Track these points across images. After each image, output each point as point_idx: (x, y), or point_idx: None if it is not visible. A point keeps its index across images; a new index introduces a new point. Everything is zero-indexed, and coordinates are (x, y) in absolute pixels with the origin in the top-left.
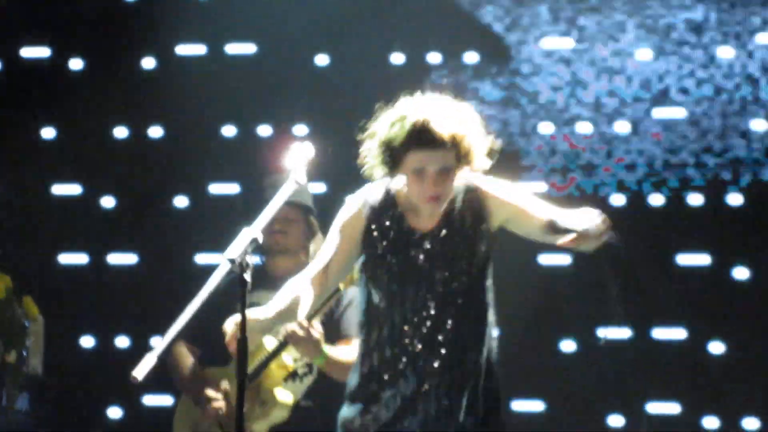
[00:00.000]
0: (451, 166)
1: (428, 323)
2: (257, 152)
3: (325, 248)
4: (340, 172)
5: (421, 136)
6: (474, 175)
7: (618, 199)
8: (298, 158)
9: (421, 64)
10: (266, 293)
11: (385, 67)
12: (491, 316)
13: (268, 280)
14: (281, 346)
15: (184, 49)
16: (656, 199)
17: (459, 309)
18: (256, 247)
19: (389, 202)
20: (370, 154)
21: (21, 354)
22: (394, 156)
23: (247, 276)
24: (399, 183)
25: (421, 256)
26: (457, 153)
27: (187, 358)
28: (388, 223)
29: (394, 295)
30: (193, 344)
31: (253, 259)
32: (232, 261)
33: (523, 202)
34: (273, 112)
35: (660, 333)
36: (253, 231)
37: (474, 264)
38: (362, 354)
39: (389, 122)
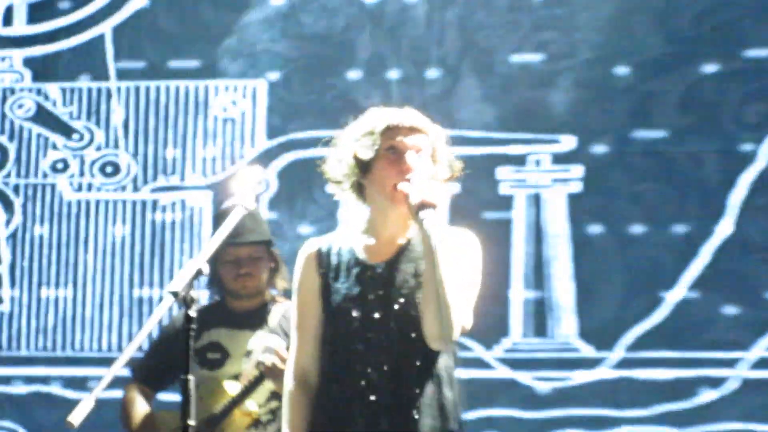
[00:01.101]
0: (423, 149)
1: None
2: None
3: (296, 333)
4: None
5: (398, 118)
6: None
7: None
8: (246, 183)
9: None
10: (227, 331)
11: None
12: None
13: (229, 317)
14: (248, 390)
15: None
16: None
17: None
18: (217, 287)
19: (344, 237)
20: (337, 162)
21: None
22: (369, 148)
23: (193, 311)
24: (356, 221)
25: (375, 290)
26: (430, 145)
27: (138, 404)
28: (340, 259)
29: (351, 335)
30: (147, 386)
31: (199, 293)
32: (174, 294)
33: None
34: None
35: None
36: (198, 262)
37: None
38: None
39: (360, 123)
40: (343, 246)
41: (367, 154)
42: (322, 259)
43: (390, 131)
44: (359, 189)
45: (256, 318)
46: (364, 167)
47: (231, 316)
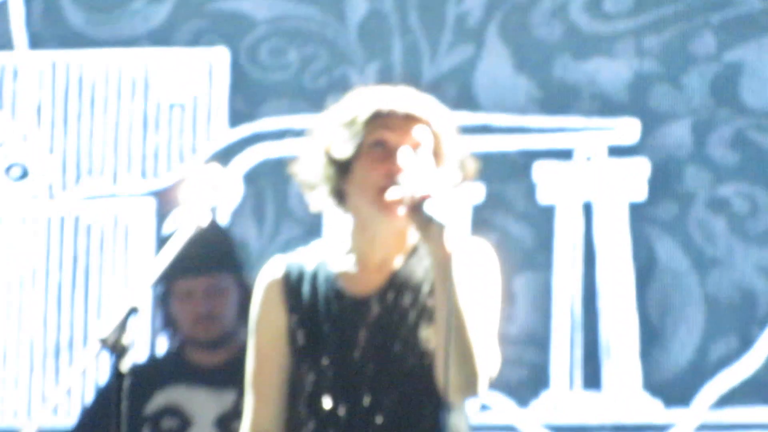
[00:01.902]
0: (420, 144)
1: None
2: None
3: (251, 390)
4: None
5: (386, 105)
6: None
7: None
8: (200, 188)
9: None
10: (187, 390)
11: None
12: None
13: (190, 371)
14: None
15: None
16: None
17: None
18: (172, 332)
19: (319, 262)
20: (310, 162)
21: None
22: (349, 143)
23: (124, 365)
24: (336, 240)
25: (362, 332)
26: (432, 137)
27: None
28: (314, 289)
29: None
30: None
31: (131, 338)
32: (102, 342)
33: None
34: None
35: None
36: (132, 297)
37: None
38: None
39: (340, 109)
40: (320, 270)
41: (344, 151)
42: (290, 287)
43: (377, 120)
44: (340, 196)
45: (225, 373)
46: (342, 168)
47: (192, 369)
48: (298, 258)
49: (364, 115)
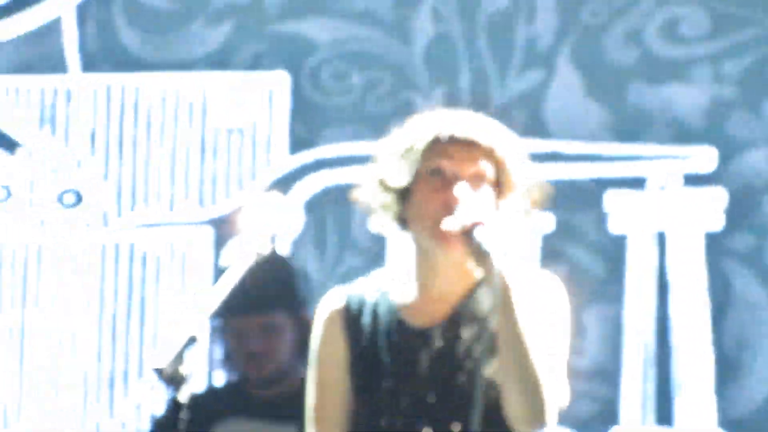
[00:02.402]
0: (486, 177)
1: None
2: None
3: (313, 425)
4: None
5: (447, 131)
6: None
7: None
8: (260, 216)
9: None
10: (247, 422)
11: None
12: None
13: (249, 404)
14: None
15: None
16: None
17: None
18: (229, 367)
19: (380, 293)
20: (371, 186)
21: None
22: (406, 171)
23: (182, 395)
24: (399, 270)
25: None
26: (495, 166)
27: None
28: (375, 321)
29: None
30: None
31: (189, 369)
32: (158, 372)
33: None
34: None
35: None
36: (190, 328)
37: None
38: None
39: (401, 134)
40: (381, 300)
41: (401, 180)
42: (350, 319)
43: (436, 147)
44: (403, 222)
45: (285, 406)
46: (401, 195)
47: (252, 402)
48: (359, 289)
49: (422, 142)
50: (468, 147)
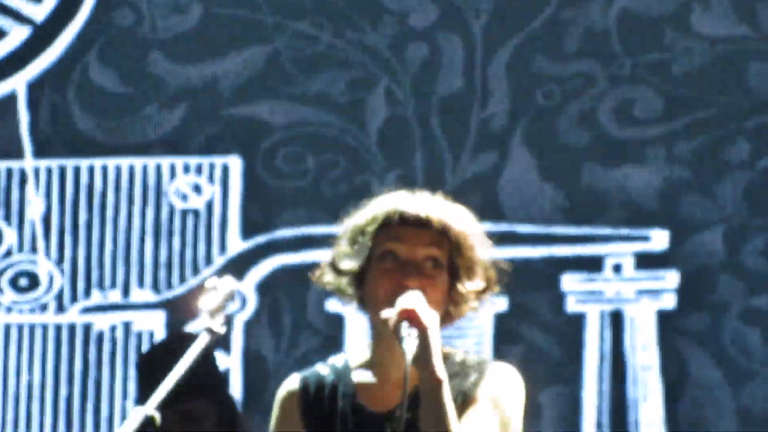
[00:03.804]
0: (439, 260)
1: None
2: None
3: None
4: None
5: (398, 212)
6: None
7: None
8: (213, 299)
9: None
10: None
11: None
12: None
13: None
14: None
15: None
16: None
17: None
18: None
19: (339, 375)
20: (326, 269)
21: None
22: (358, 255)
23: None
24: (357, 352)
25: None
26: (449, 248)
27: None
28: (333, 405)
29: None
30: None
31: None
32: None
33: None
34: None
35: None
36: (146, 409)
37: None
38: None
39: (356, 217)
40: (339, 384)
41: (353, 264)
42: (308, 401)
43: (388, 230)
44: (361, 303)
45: None
46: (356, 278)
47: None
48: (317, 372)
49: (373, 225)
50: (420, 229)
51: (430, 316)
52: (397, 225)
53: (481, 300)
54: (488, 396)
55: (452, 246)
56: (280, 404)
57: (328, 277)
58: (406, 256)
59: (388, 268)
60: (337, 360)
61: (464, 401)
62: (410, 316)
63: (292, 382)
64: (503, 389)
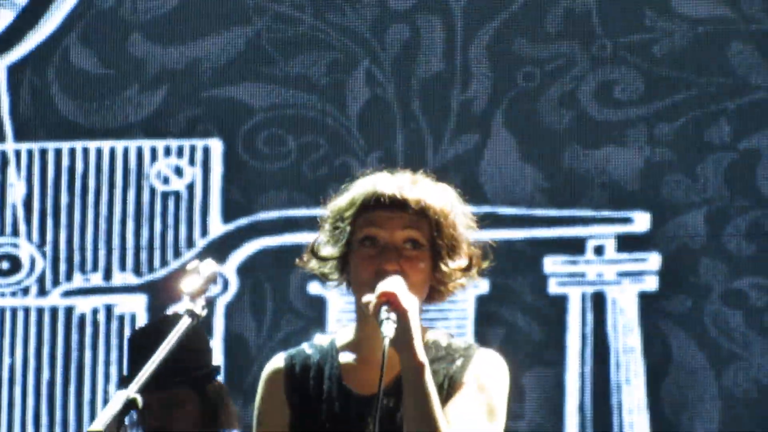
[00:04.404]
0: (419, 242)
1: None
2: None
3: None
4: None
5: (376, 194)
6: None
7: None
8: (195, 282)
9: None
10: None
11: None
12: None
13: None
14: None
15: None
16: None
17: None
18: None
19: (324, 356)
20: (310, 257)
21: None
22: (340, 237)
23: None
24: (343, 333)
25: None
26: (429, 228)
27: None
28: (318, 386)
29: None
30: None
31: None
32: None
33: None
34: None
35: None
36: (128, 392)
37: None
38: None
39: (338, 200)
40: (324, 365)
41: (333, 250)
42: (293, 381)
43: (366, 214)
44: (348, 285)
45: None
46: (340, 264)
47: None
48: (302, 354)
49: (351, 210)
50: (398, 211)
51: (409, 300)
52: (374, 209)
53: (467, 277)
54: (474, 381)
55: (432, 225)
56: (264, 382)
57: (313, 263)
58: (384, 240)
59: (368, 253)
60: (322, 340)
61: (450, 386)
62: (389, 300)
63: (277, 361)
64: (489, 375)
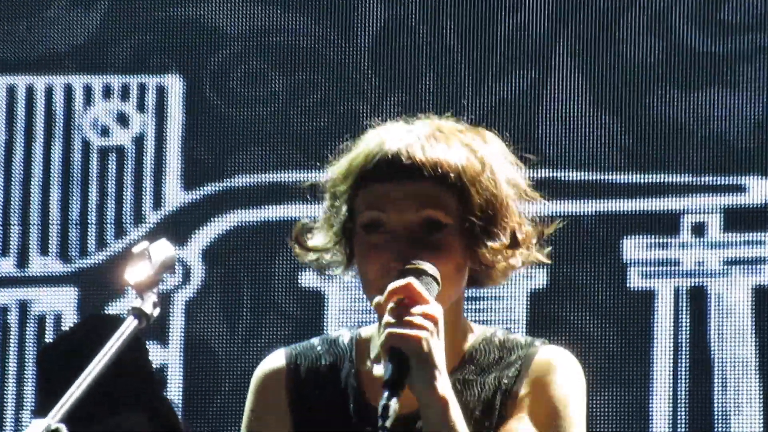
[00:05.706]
0: (441, 222)
1: None
2: None
3: None
4: None
5: (378, 159)
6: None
7: None
8: (144, 271)
9: None
10: None
11: None
12: None
13: None
14: None
15: None
16: None
17: None
18: None
19: (340, 357)
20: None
21: None
22: (335, 220)
23: None
24: (364, 329)
25: None
26: (456, 199)
27: None
28: (330, 397)
29: None
30: None
31: None
32: None
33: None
34: None
35: None
36: (48, 421)
37: None
38: None
39: (338, 165)
40: (340, 369)
41: (325, 240)
42: (297, 387)
43: (366, 189)
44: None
45: None
46: (345, 252)
47: None
48: (305, 352)
49: (346, 183)
50: (408, 182)
51: (423, 320)
52: (375, 180)
53: (522, 256)
54: (540, 394)
55: (460, 195)
56: (257, 388)
57: (310, 255)
58: (393, 225)
59: (373, 242)
60: (339, 335)
61: (503, 402)
62: (396, 344)
63: (276, 359)
64: (558, 384)
